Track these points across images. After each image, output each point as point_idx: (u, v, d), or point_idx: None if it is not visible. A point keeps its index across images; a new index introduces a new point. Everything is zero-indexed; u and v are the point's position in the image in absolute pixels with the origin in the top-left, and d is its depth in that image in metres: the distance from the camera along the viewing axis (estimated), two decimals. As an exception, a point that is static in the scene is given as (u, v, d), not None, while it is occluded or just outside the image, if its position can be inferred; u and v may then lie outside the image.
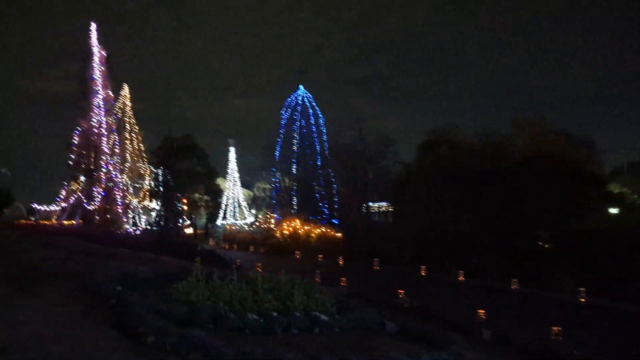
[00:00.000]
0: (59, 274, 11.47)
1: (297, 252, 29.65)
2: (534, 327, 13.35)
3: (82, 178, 29.91)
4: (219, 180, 64.01)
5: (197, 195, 60.45)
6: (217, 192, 63.91)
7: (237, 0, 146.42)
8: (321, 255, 28.37)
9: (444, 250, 24.69)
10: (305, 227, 32.25)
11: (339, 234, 30.28)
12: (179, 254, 21.97)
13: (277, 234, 33.73)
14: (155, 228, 34.22)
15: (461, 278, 21.71)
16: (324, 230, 30.92)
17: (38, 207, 33.05)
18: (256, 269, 24.23)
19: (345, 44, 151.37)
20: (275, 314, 8.48)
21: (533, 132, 32.33)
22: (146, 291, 9.92)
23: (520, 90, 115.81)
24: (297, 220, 33.89)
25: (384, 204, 55.35)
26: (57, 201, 31.13)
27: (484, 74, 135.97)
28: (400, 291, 16.86)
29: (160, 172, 53.32)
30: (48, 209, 32.35)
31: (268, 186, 69.41)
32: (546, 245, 26.17)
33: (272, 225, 37.59)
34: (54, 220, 32.19)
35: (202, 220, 70.89)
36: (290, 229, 33.04)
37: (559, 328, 12.25)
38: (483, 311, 13.59)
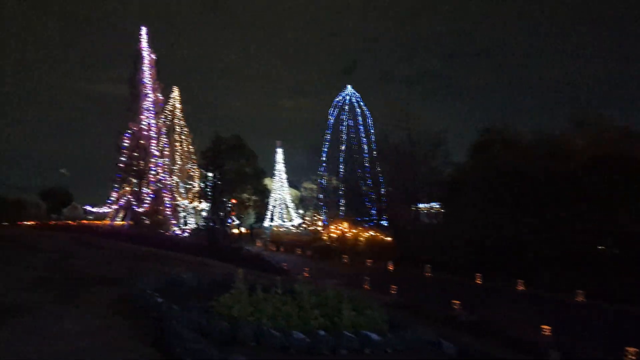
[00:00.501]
0: (103, 280, 11.27)
1: (344, 255, 28.96)
2: (606, 348, 12.11)
3: (133, 180, 30.33)
4: (267, 181, 64.27)
5: (245, 195, 60.91)
6: (265, 192, 64.19)
7: (283, 2, 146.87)
8: (370, 260, 27.56)
9: (500, 257, 23.29)
10: (353, 230, 31.43)
11: (389, 238, 29.27)
12: (225, 256, 21.80)
13: (325, 237, 33.07)
14: (202, 228, 34.34)
15: (520, 287, 20.35)
16: (372, 233, 29.99)
17: (91, 208, 33.90)
18: (303, 274, 23.78)
19: (393, 43, 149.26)
20: (322, 332, 7.82)
21: (595, 130, 30.29)
22: (189, 302, 9.51)
23: (576, 88, 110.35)
24: (345, 223, 33.13)
25: (436, 205, 53.85)
26: (108, 203, 31.77)
27: (537, 71, 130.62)
28: (456, 302, 15.91)
29: (209, 173, 54.01)
30: (100, 211, 33.11)
31: (315, 186, 69.12)
32: (613, 252, 24.33)
33: (319, 228, 37.00)
34: (107, 221, 32.92)
35: (251, 220, 71.44)
36: (338, 231, 32.31)
37: (636, 349, 10.99)
38: (548, 327, 12.46)
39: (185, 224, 31.73)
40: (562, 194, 24.17)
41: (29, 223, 33.55)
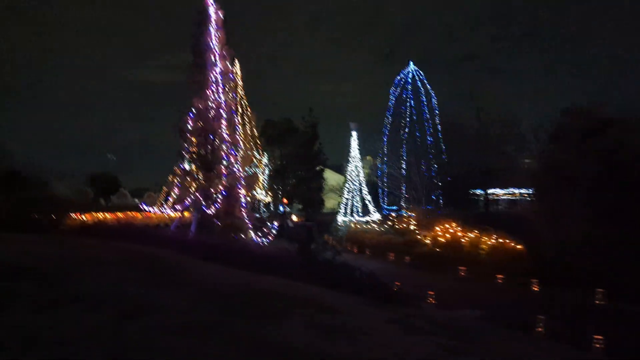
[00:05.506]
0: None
1: (461, 267, 22.85)
2: None
3: (200, 173, 24.55)
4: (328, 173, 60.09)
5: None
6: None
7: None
8: (500, 275, 21.34)
9: None
10: (470, 234, 25.06)
11: (519, 245, 22.89)
12: (334, 281, 16.06)
13: (427, 241, 26.86)
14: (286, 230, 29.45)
15: None
16: (499, 240, 23.65)
17: (146, 207, 28.39)
18: (428, 300, 17.77)
19: (435, 24, 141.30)
20: None
21: None
22: None
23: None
24: (453, 223, 26.77)
25: (517, 190, 48.60)
26: (169, 202, 26.01)
27: (590, 50, 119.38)
28: None
29: (264, 159, 48.83)
30: (158, 212, 27.55)
31: (368, 171, 64.50)
32: None
33: (413, 227, 30.73)
34: (165, 216, 27.49)
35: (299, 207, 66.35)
36: (448, 235, 25.98)
37: None
38: None
39: (263, 225, 25.88)
40: None
41: (75, 218, 28.64)
